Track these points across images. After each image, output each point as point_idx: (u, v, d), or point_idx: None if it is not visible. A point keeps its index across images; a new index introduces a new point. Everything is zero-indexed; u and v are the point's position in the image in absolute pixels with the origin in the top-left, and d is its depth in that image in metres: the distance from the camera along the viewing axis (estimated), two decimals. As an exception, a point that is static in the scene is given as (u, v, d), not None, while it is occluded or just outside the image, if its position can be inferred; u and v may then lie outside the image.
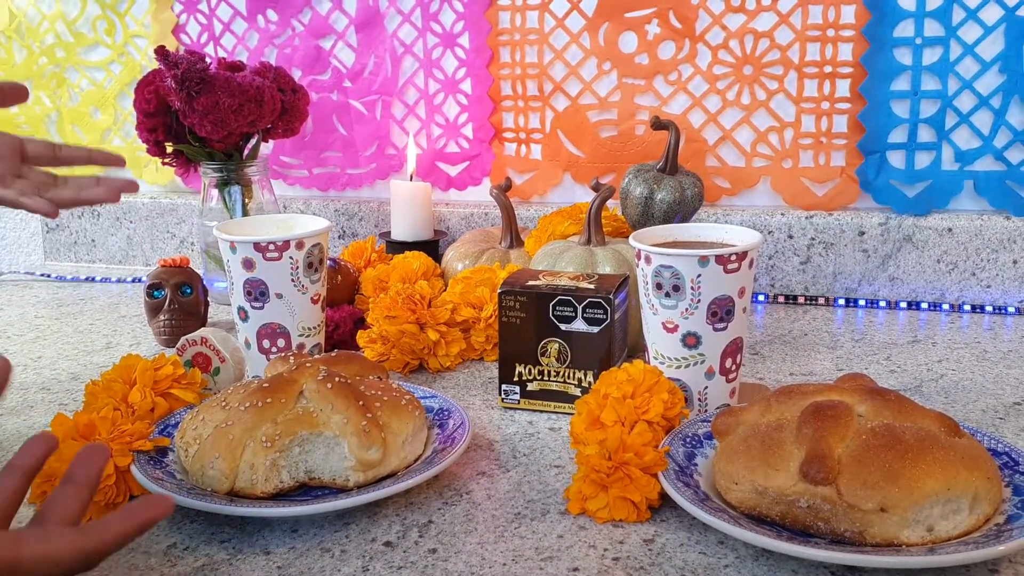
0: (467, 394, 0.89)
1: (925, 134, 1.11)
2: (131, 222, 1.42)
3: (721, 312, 0.77)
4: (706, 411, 0.80)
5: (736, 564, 0.60)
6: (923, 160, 1.12)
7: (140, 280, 1.35)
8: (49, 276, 1.40)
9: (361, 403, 0.69)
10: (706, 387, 0.80)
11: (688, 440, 0.71)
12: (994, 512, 0.61)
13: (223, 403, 0.70)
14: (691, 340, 0.78)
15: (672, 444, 0.70)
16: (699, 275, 0.76)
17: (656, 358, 0.80)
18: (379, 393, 0.72)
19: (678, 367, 0.80)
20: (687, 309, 0.77)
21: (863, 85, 1.10)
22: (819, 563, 0.59)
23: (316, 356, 0.75)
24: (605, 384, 0.73)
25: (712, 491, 0.66)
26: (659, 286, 0.77)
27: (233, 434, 0.67)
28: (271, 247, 0.85)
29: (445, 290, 1.04)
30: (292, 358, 0.74)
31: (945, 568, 0.58)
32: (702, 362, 0.79)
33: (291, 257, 0.85)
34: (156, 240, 1.41)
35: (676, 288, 0.77)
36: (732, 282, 0.77)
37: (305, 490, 0.69)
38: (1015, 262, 1.09)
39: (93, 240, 1.45)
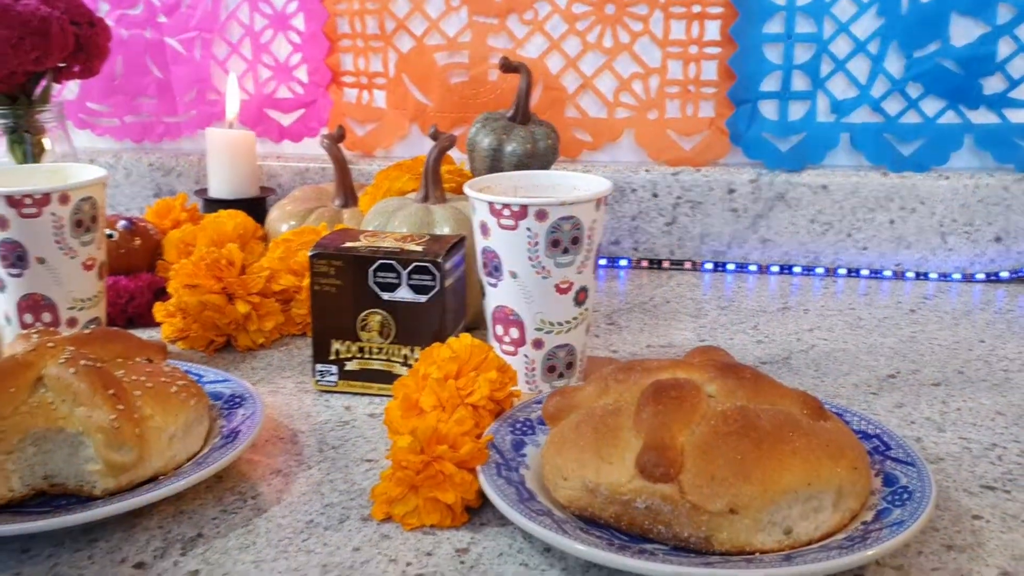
0: (279, 376, 0.77)
1: (799, 82, 1.02)
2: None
3: (597, 259, 0.71)
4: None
5: (562, 579, 0.50)
6: (797, 111, 1.03)
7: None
8: None
9: (112, 392, 0.56)
10: (585, 345, 0.72)
11: (518, 426, 0.61)
12: (861, 507, 0.52)
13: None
14: (582, 296, 0.70)
15: (498, 431, 0.59)
16: (594, 220, 0.68)
17: (541, 328, 0.69)
18: (142, 379, 0.59)
19: (568, 330, 0.70)
20: (583, 262, 0.68)
21: (734, 26, 1.01)
22: (657, 578, 0.49)
23: (66, 334, 0.61)
24: (425, 363, 0.62)
25: (540, 488, 0.55)
26: (556, 243, 0.66)
27: (-55, 433, 0.53)
28: (27, 201, 0.70)
29: (265, 253, 0.91)
30: (36, 336, 0.61)
31: (805, 580, 0.48)
32: (585, 319, 0.71)
33: (53, 214, 0.71)
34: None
35: (575, 240, 0.67)
36: (603, 224, 0.70)
37: (45, 498, 0.56)
38: (892, 222, 1.02)
39: None
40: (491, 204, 0.67)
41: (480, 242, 0.69)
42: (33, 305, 0.73)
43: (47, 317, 0.73)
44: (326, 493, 0.59)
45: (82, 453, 0.55)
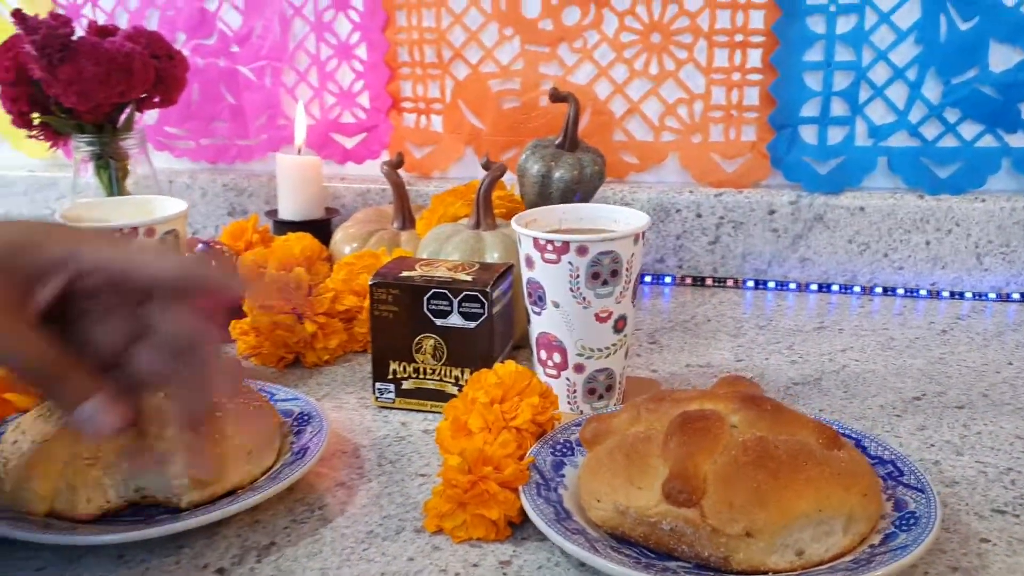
0: (343, 391, 0.84)
1: (838, 108, 1.06)
2: (9, 197, 1.34)
3: (638, 288, 0.76)
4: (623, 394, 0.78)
5: (594, 591, 0.55)
6: (836, 135, 1.07)
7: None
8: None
9: (196, 414, 0.62)
10: (624, 368, 0.77)
11: (559, 447, 0.66)
12: (871, 531, 0.57)
13: (46, 413, 0.63)
14: (621, 324, 0.75)
15: (540, 452, 0.65)
16: (632, 254, 0.73)
17: (581, 354, 0.75)
18: (223, 400, 0.65)
19: (607, 355, 0.75)
20: (621, 292, 0.73)
21: (775, 55, 1.05)
22: (679, 594, 0.54)
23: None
24: (474, 388, 0.68)
25: (576, 507, 0.61)
26: (595, 275, 0.72)
27: (51, 451, 0.60)
28: (116, 236, 0.77)
29: (330, 275, 0.97)
30: (128, 362, 0.68)
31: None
32: (624, 344, 0.76)
33: (141, 246, 0.78)
34: (36, 217, 1.33)
35: (614, 273, 0.72)
36: (642, 255, 0.75)
37: (136, 508, 0.63)
38: (928, 243, 1.05)
39: (-30, 215, 1.37)
40: (535, 239, 0.73)
41: (525, 273, 0.75)
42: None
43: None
44: (384, 505, 0.65)
45: (170, 469, 0.62)
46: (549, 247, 0.72)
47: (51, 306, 0.50)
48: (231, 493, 0.63)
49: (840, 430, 0.67)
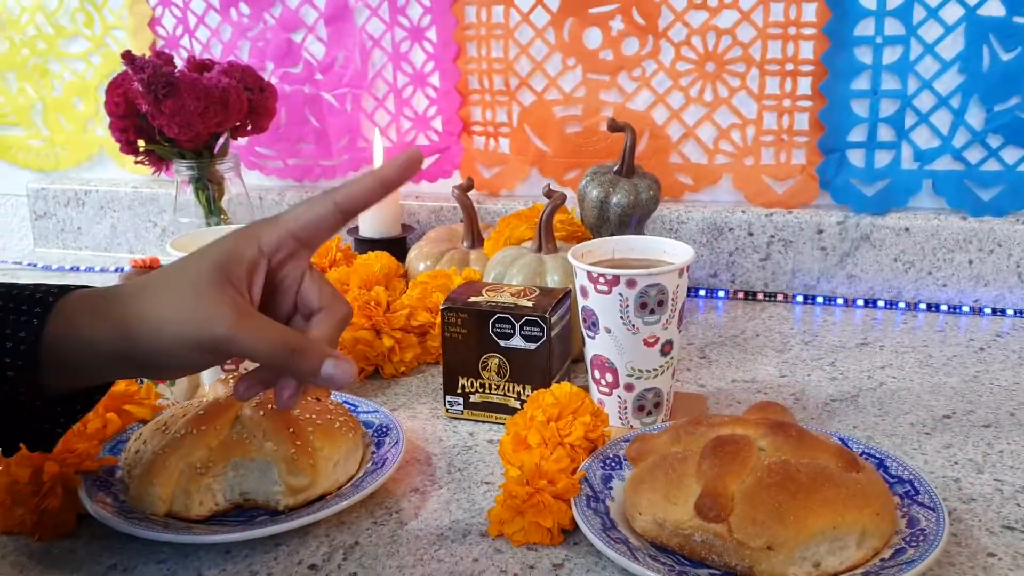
0: (416, 402, 0.93)
1: (884, 133, 1.11)
2: (115, 211, 1.46)
3: (683, 314, 0.83)
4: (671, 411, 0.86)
5: (635, 594, 0.63)
6: (882, 159, 1.12)
7: (121, 270, 1.39)
8: (35, 266, 1.44)
9: (291, 430, 0.72)
10: (671, 386, 0.85)
11: (608, 462, 0.74)
12: (884, 545, 0.64)
13: (163, 427, 0.74)
14: (667, 348, 0.82)
15: (591, 467, 0.73)
16: (677, 286, 0.80)
17: (631, 374, 0.82)
18: (313, 417, 0.75)
19: (655, 376, 0.83)
20: (667, 320, 0.81)
21: (823, 83, 1.11)
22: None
23: (255, 379, 0.78)
24: (533, 406, 0.76)
25: (621, 517, 0.69)
26: (643, 305, 0.80)
27: (169, 461, 0.70)
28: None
29: (406, 291, 1.06)
30: (231, 382, 0.78)
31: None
32: (671, 365, 0.83)
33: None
34: (139, 229, 1.45)
35: (660, 303, 0.80)
36: (686, 286, 0.83)
37: (240, 510, 0.73)
38: (971, 262, 1.10)
39: (79, 228, 1.49)
40: (588, 272, 0.80)
41: (580, 301, 0.83)
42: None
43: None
44: (453, 510, 0.74)
45: (269, 477, 0.71)
46: (601, 279, 0.80)
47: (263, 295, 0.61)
48: (321, 498, 0.72)
49: (865, 450, 0.73)
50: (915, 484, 0.70)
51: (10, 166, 1.54)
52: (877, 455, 0.73)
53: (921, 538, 0.63)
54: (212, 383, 0.80)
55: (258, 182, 1.40)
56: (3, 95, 1.49)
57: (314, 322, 0.62)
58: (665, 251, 0.86)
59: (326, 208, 0.61)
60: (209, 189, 1.19)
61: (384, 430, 0.81)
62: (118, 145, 1.18)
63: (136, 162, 1.19)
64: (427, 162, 1.31)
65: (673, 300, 0.80)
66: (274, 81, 1.31)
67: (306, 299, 0.62)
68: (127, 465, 0.73)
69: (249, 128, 1.19)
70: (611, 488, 0.72)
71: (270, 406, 0.73)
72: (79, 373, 0.59)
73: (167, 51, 1.30)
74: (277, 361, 0.57)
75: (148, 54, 1.11)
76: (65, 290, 0.59)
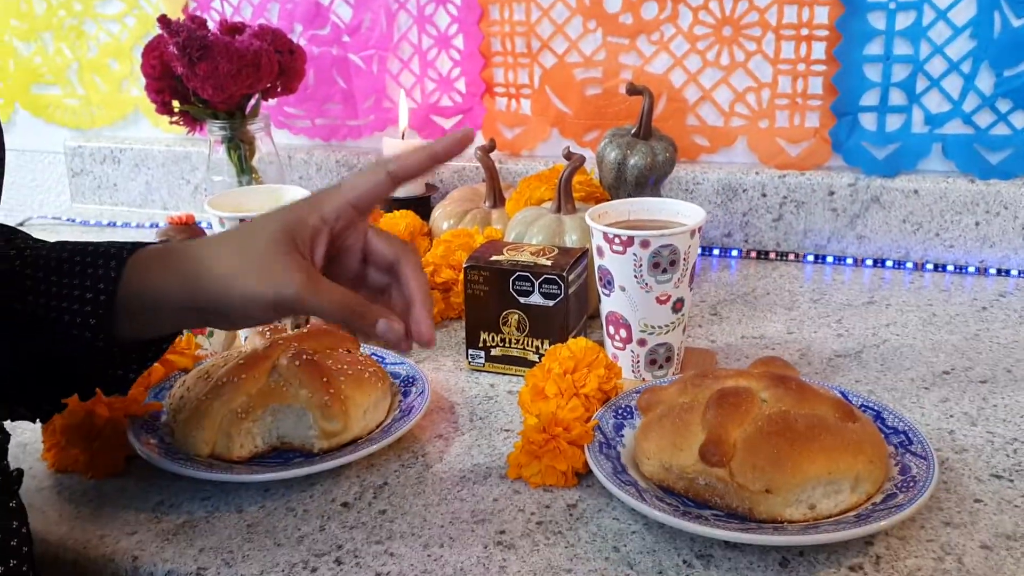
0: (440, 354, 0.98)
1: (896, 97, 1.14)
2: (149, 168, 1.51)
3: (694, 273, 0.87)
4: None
5: (642, 531, 0.68)
6: (894, 123, 1.15)
7: (156, 226, 1.44)
8: (73, 221, 1.50)
9: (325, 379, 0.77)
10: (682, 341, 0.89)
11: (620, 411, 0.79)
12: (876, 490, 0.68)
13: (206, 375, 0.79)
14: (679, 305, 0.86)
15: (604, 416, 0.78)
16: (689, 246, 0.84)
17: (644, 330, 0.87)
18: (344, 367, 0.80)
19: (666, 332, 0.87)
20: (679, 279, 0.85)
21: (837, 48, 1.13)
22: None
23: (290, 332, 0.83)
24: (550, 359, 0.81)
25: (631, 462, 0.74)
26: (656, 264, 0.84)
27: (213, 407, 0.75)
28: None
29: (430, 249, 1.11)
30: (268, 333, 0.83)
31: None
32: (682, 322, 0.88)
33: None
34: (172, 186, 1.50)
35: (672, 263, 0.84)
36: (698, 246, 0.87)
37: (278, 452, 0.78)
38: (977, 224, 1.13)
39: (115, 184, 1.55)
40: (604, 233, 0.85)
41: (597, 260, 0.87)
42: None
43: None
44: (475, 455, 0.79)
45: (304, 422, 0.77)
46: (616, 240, 0.84)
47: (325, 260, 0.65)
48: (353, 442, 0.78)
49: (864, 403, 0.78)
50: (909, 435, 0.74)
51: (48, 124, 1.59)
52: (875, 407, 0.77)
53: (912, 484, 0.68)
54: (249, 335, 0.85)
55: (287, 141, 1.45)
56: (40, 55, 1.54)
57: (404, 278, 0.67)
58: (679, 213, 0.90)
59: (380, 178, 0.65)
60: (241, 148, 1.24)
61: (411, 380, 0.86)
62: (152, 105, 1.23)
63: (171, 122, 1.23)
64: (450, 123, 1.35)
65: (685, 260, 0.84)
66: (302, 43, 1.35)
67: (378, 255, 0.67)
68: (172, 410, 0.79)
69: (279, 89, 1.23)
70: (622, 435, 0.76)
71: (305, 357, 0.78)
72: (150, 323, 0.65)
73: (199, 14, 1.33)
74: (340, 319, 0.63)
75: (182, 17, 1.15)
76: (138, 246, 0.64)
